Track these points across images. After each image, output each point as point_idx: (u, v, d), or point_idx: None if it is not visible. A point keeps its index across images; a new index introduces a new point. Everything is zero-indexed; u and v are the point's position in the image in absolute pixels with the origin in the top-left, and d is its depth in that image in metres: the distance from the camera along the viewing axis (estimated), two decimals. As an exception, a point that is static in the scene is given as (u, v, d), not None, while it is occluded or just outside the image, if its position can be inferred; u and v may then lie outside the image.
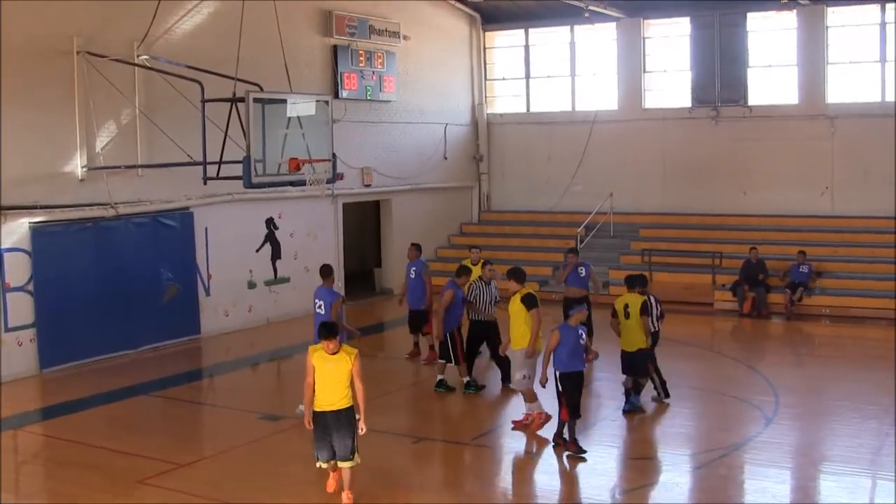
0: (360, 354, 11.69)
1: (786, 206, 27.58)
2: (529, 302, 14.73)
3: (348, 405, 11.71)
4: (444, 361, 17.37)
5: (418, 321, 19.64)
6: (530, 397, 14.76)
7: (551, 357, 13.68)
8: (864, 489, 12.82)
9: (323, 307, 15.84)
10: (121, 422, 15.97)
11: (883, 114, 26.32)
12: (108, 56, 19.51)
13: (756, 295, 24.24)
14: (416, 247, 20.32)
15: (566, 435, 13.68)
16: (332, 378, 11.62)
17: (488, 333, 17.36)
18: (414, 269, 19.65)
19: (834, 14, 27.13)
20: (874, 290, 23.99)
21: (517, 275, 15.23)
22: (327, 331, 11.65)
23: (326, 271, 16.24)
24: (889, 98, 26.43)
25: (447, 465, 13.99)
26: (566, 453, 13.58)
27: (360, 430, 11.72)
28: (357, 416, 11.71)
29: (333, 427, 11.70)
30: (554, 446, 13.89)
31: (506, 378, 16.89)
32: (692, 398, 16.42)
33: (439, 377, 17.37)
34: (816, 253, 25.26)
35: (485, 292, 17.13)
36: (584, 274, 19.31)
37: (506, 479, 13.65)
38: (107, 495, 12.40)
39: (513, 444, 14.75)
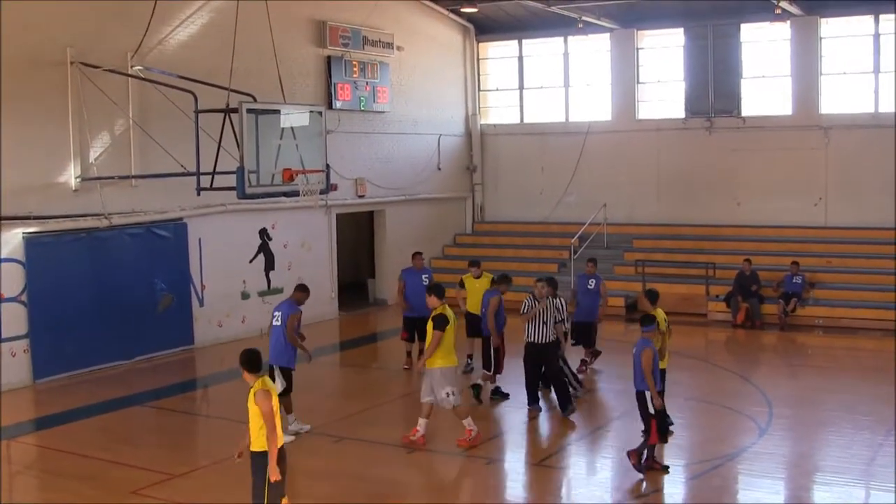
0: (264, 392, 10.40)
1: (779, 217, 27.62)
2: (437, 323, 14.33)
3: (257, 449, 10.50)
4: (489, 371, 17.33)
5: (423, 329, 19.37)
6: (463, 413, 14.66)
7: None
8: (858, 499, 12.83)
9: (280, 319, 15.14)
10: (115, 432, 15.92)
11: (876, 125, 26.39)
12: (102, 67, 19.49)
13: (749, 305, 24.27)
14: (420, 255, 20.49)
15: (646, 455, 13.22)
16: (249, 415, 10.50)
17: (545, 357, 16.37)
18: (426, 276, 19.58)
19: (828, 25, 27.21)
20: (868, 300, 24.02)
21: (437, 291, 14.86)
22: (242, 360, 10.72)
23: (300, 288, 15.62)
24: (882, 109, 26.50)
25: (440, 475, 13.95)
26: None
27: (270, 478, 10.36)
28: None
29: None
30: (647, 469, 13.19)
31: (563, 405, 16.14)
32: (686, 409, 16.40)
33: (493, 385, 17.38)
34: (810, 264, 25.29)
35: (541, 310, 16.14)
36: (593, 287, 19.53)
37: (499, 489, 13.61)
38: (101, 506, 12.39)
39: (506, 454, 14.76)
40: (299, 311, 15.29)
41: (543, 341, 15.97)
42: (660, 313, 15.19)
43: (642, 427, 13.12)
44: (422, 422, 14.52)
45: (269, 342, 15.07)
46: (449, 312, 14.41)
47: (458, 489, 13.51)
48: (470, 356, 19.13)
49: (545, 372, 16.32)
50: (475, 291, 18.71)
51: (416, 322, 19.38)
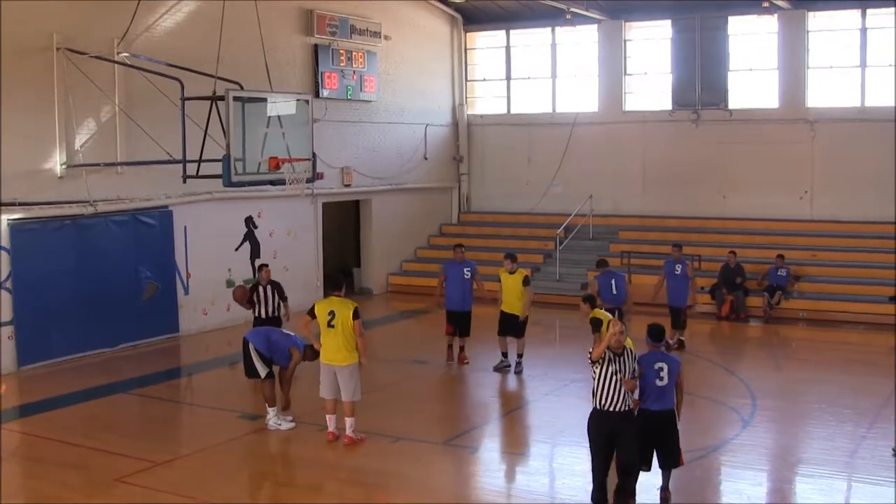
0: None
1: (765, 210, 27.70)
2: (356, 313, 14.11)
3: None
4: None
5: (464, 323, 19.33)
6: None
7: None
8: (840, 491, 12.89)
9: None
10: (99, 420, 15.89)
11: (862, 118, 26.48)
12: (89, 53, 19.44)
13: (734, 298, 24.35)
14: (462, 246, 20.04)
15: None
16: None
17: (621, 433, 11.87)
18: (468, 269, 19.31)
19: (815, 19, 27.25)
20: (852, 294, 24.13)
21: (336, 283, 14.77)
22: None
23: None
24: (868, 103, 26.60)
25: (424, 465, 13.96)
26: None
27: None
28: None
29: None
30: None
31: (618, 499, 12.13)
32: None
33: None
34: (795, 257, 25.40)
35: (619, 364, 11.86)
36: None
37: (482, 479, 13.63)
38: (84, 494, 12.38)
39: (490, 444, 14.80)
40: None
41: (619, 408, 11.40)
42: (600, 312, 15.36)
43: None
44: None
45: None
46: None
47: (443, 478, 13.51)
48: (504, 354, 19.01)
49: (617, 457, 11.68)
50: (509, 289, 18.61)
51: (456, 316, 19.30)
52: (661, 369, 11.88)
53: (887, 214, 26.02)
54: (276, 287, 18.22)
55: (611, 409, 11.29)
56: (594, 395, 11.46)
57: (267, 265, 18.80)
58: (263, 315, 17.92)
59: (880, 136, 26.14)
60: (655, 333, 12.16)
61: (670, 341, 19.69)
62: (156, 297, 21.41)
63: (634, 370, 11.43)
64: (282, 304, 18.20)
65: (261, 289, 18.12)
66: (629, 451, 11.46)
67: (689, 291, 20.61)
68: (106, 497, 12.27)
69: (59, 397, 17.05)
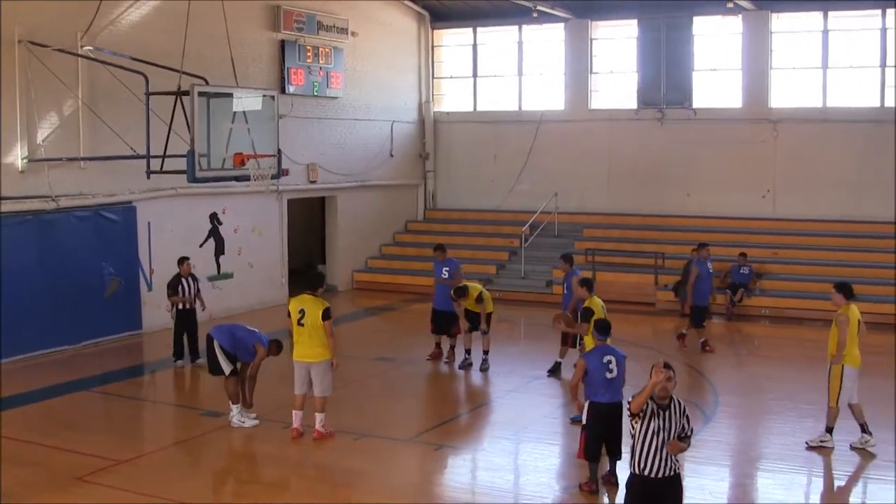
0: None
1: (728, 208, 27.89)
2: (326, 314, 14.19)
3: None
4: None
5: (447, 322, 19.30)
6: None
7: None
8: (800, 486, 13.09)
9: None
10: (60, 418, 15.75)
11: (824, 119, 26.73)
12: (51, 46, 19.28)
13: (698, 295, 24.46)
14: (443, 248, 19.90)
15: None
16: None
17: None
18: (447, 268, 19.29)
19: (779, 20, 27.48)
20: (813, 291, 24.28)
21: (313, 282, 14.85)
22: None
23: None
24: (830, 104, 26.85)
25: (388, 462, 13.94)
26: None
27: None
28: None
29: None
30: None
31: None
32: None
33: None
34: (757, 255, 25.58)
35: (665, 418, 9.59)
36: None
37: (447, 476, 13.64)
38: (45, 493, 12.28)
39: (454, 440, 14.81)
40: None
41: (664, 473, 9.26)
42: (597, 301, 15.38)
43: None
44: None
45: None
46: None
47: (407, 475, 13.50)
48: (468, 351, 19.05)
49: None
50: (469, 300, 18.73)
51: (436, 315, 19.37)
52: (610, 362, 12.35)
53: (848, 213, 26.46)
54: (195, 280, 18.97)
55: (654, 475, 9.17)
56: (633, 455, 9.39)
57: (188, 258, 19.27)
58: (185, 307, 18.75)
59: (842, 137, 26.52)
60: (603, 328, 12.87)
61: (707, 347, 20.55)
62: (119, 294, 21.29)
63: (684, 427, 9.27)
64: (197, 297, 18.92)
65: (184, 281, 18.66)
66: None
67: (711, 290, 21.18)
68: (67, 496, 12.15)
69: (19, 395, 16.88)
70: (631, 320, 23.01)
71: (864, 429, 13.90)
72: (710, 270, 21.04)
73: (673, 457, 9.17)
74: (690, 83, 28.52)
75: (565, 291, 18.61)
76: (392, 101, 30.24)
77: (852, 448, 13.81)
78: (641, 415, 9.14)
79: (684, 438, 9.26)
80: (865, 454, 13.70)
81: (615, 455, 12.37)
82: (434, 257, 19.67)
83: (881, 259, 25.16)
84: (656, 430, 9.12)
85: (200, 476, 13.24)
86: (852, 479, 13.22)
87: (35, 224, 19.65)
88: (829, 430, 13.94)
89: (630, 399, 9.25)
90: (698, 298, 20.64)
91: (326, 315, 14.02)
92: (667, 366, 9.23)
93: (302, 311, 14.03)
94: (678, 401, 9.30)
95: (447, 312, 19.05)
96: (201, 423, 15.39)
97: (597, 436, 12.22)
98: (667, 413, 9.19)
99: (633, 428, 9.24)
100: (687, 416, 9.27)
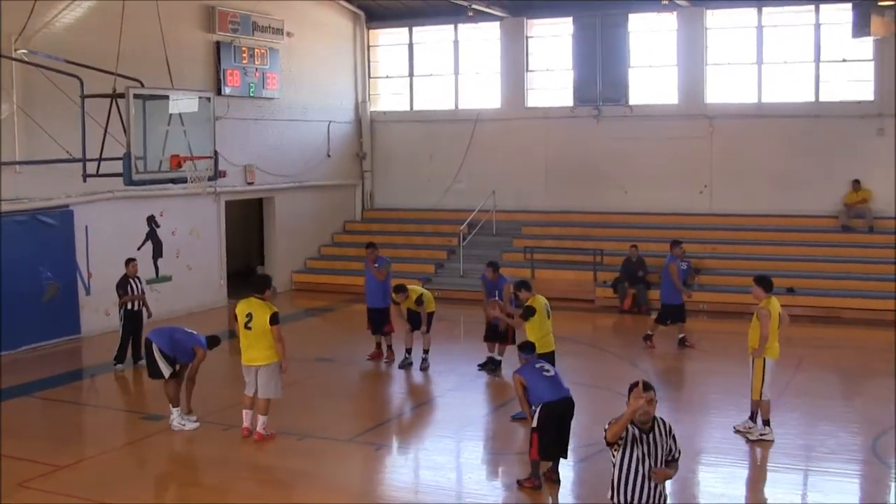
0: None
1: (665, 205, 28.16)
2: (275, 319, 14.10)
3: None
4: None
5: (382, 320, 19.41)
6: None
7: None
8: (740, 479, 13.26)
9: None
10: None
11: (759, 114, 27.11)
12: (-17, 50, 19.06)
13: (636, 291, 24.71)
14: (374, 246, 19.91)
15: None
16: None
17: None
18: (376, 264, 19.36)
19: (713, 16, 27.82)
20: (750, 286, 24.53)
21: (261, 285, 14.66)
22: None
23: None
24: (765, 99, 27.25)
25: (330, 462, 13.95)
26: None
27: None
28: None
29: None
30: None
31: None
32: (574, 393, 16.60)
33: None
34: (695, 250, 25.78)
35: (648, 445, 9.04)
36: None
37: (389, 475, 13.69)
38: (-16, 499, 12.15)
39: (396, 440, 14.86)
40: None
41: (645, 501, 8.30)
42: (540, 299, 15.50)
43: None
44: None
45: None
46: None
47: (349, 475, 13.52)
48: (408, 350, 19.11)
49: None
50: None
51: (369, 312, 19.57)
52: (542, 366, 12.84)
53: (783, 208, 26.91)
54: (141, 282, 19.22)
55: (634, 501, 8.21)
56: (612, 488, 8.34)
57: (134, 259, 19.44)
58: (133, 307, 18.94)
59: (778, 132, 26.90)
60: (528, 348, 13.46)
61: (686, 342, 20.78)
62: (57, 298, 21.09)
63: (671, 450, 8.38)
64: (143, 302, 19.19)
65: (132, 281, 18.80)
66: None
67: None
68: (8, 502, 12.03)
69: (-44, 402, 16.68)
70: (570, 317, 23.18)
71: (757, 419, 14.31)
72: (683, 268, 21.20)
73: (661, 485, 8.31)
74: (626, 80, 28.77)
75: (492, 298, 18.70)
76: (328, 102, 30.19)
77: (736, 431, 14.42)
78: (621, 442, 8.16)
79: (671, 462, 8.40)
80: (758, 443, 14.09)
81: (562, 453, 12.49)
82: (365, 256, 19.72)
83: (818, 252, 25.60)
84: (640, 457, 8.15)
85: (142, 480, 13.17)
86: (793, 471, 13.46)
87: (-31, 229, 19.41)
88: (766, 422, 14.19)
89: (606, 426, 8.27)
90: (674, 297, 20.69)
91: (274, 320, 13.97)
92: (647, 387, 8.24)
93: (249, 315, 13.98)
94: (662, 420, 8.37)
95: (380, 309, 19.23)
96: (142, 426, 15.30)
97: (550, 435, 12.34)
98: (650, 437, 8.22)
99: (612, 456, 8.27)
100: (674, 437, 8.37)
